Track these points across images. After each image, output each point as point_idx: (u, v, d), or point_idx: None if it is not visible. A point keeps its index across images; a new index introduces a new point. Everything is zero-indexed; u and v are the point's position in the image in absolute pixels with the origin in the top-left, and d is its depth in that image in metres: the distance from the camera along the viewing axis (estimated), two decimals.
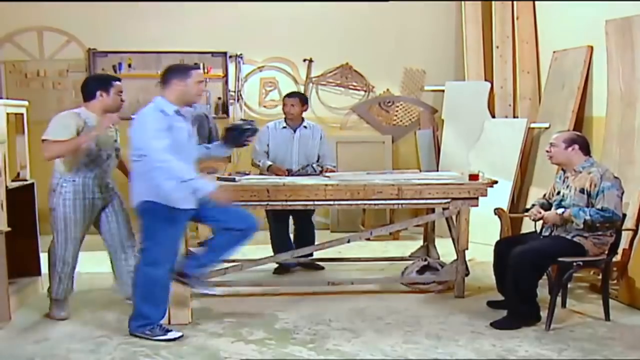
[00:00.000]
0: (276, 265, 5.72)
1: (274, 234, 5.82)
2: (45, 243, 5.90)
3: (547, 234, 4.49)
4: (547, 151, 4.52)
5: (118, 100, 4.41)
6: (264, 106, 7.83)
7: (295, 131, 5.76)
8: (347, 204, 4.98)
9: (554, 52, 6.90)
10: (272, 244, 5.83)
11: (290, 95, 5.91)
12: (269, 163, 5.66)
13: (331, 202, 4.92)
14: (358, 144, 7.91)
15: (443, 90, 7.72)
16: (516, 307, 4.33)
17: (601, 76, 6.06)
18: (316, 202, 4.90)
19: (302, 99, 5.86)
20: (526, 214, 4.82)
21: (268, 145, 5.73)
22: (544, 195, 4.76)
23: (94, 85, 4.43)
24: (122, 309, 4.70)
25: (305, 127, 5.79)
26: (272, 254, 5.58)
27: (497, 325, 4.31)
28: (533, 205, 4.69)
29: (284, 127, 5.77)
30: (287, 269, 5.77)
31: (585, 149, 4.44)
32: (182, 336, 4.12)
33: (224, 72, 7.78)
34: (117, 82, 4.45)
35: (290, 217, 5.88)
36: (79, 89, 7.50)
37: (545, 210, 4.53)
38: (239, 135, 4.39)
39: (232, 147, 4.50)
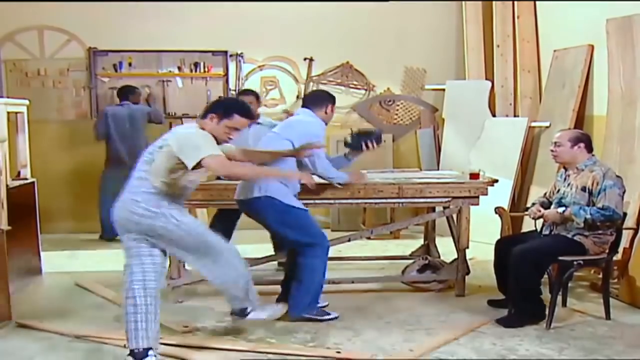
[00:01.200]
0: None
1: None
2: (47, 242, 5.94)
3: (547, 232, 4.49)
4: (552, 150, 4.51)
5: (225, 134, 3.70)
6: (265, 105, 7.81)
7: (249, 127, 5.22)
8: (348, 203, 4.98)
9: (555, 51, 6.89)
10: None
11: (244, 92, 5.83)
12: None
13: (331, 201, 4.92)
14: None
15: (444, 89, 7.72)
16: (520, 305, 4.33)
17: (602, 75, 6.06)
18: (317, 201, 4.89)
19: (257, 96, 5.80)
20: (526, 212, 4.82)
21: None
22: (545, 194, 4.76)
23: (216, 106, 3.75)
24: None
25: (259, 123, 5.43)
26: (273, 253, 5.57)
27: (502, 322, 4.31)
28: (533, 204, 4.69)
29: None
30: None
31: (589, 147, 4.45)
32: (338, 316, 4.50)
33: (224, 71, 7.78)
34: (240, 118, 3.70)
35: None
36: (79, 88, 7.67)
37: (546, 209, 4.53)
38: (361, 139, 4.66)
39: (355, 152, 4.76)
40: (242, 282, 3.95)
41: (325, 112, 4.60)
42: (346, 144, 4.77)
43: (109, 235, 7.25)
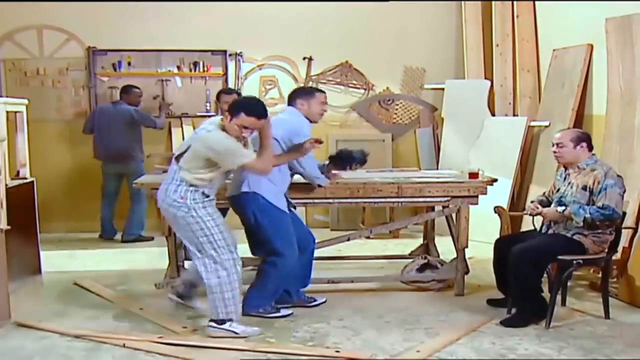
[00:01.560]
0: None
1: None
2: (46, 241, 5.92)
3: (546, 231, 4.49)
4: (555, 152, 4.50)
5: (236, 131, 3.93)
6: None
7: None
8: (347, 202, 4.98)
9: (554, 50, 6.89)
10: None
11: (226, 91, 5.77)
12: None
13: (331, 200, 4.92)
14: (358, 142, 7.87)
15: (443, 89, 7.72)
16: (523, 305, 4.33)
17: (601, 74, 6.06)
18: (315, 200, 4.89)
19: (239, 95, 5.74)
20: (525, 212, 4.81)
21: None
22: (544, 193, 4.77)
23: (231, 105, 4.04)
24: (122, 308, 4.71)
25: None
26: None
27: (506, 323, 4.31)
28: (532, 202, 4.69)
29: None
30: None
31: (590, 145, 4.45)
32: (292, 314, 4.50)
33: (223, 71, 7.77)
34: (245, 117, 3.91)
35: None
36: (78, 88, 7.67)
37: (545, 207, 4.54)
38: (345, 161, 4.66)
39: (336, 169, 4.76)
40: (229, 294, 4.05)
41: (299, 108, 4.56)
42: (331, 159, 4.75)
43: (107, 234, 7.25)
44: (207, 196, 4.03)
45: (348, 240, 5.15)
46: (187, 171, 3.95)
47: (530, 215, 4.56)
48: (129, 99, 7.16)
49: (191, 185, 3.95)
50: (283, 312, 4.53)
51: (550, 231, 4.47)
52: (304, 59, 7.89)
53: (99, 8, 7.51)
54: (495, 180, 5.02)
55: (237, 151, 3.93)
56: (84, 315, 4.60)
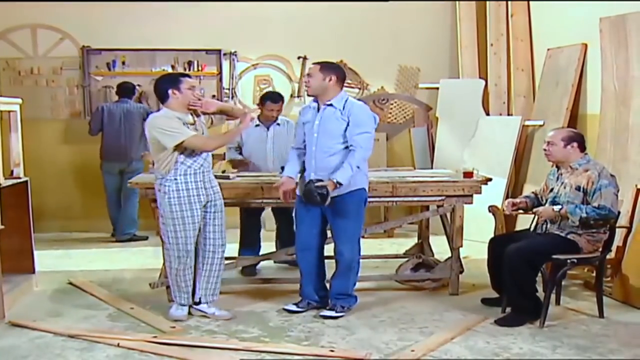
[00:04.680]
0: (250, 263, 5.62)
1: (245, 231, 5.78)
2: (40, 241, 5.92)
3: (540, 231, 4.50)
4: (545, 149, 4.51)
5: (192, 97, 4.31)
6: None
7: (268, 129, 5.69)
8: None
9: (549, 49, 6.91)
10: (240, 240, 5.78)
11: (274, 100, 5.70)
12: (239, 157, 5.73)
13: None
14: None
15: (437, 88, 7.72)
16: (518, 304, 4.34)
17: (595, 74, 6.08)
18: None
19: (282, 102, 5.79)
20: (520, 211, 4.81)
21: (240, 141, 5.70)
22: (534, 191, 4.78)
23: (164, 85, 4.32)
24: (117, 307, 4.70)
25: (278, 124, 5.71)
26: (270, 251, 5.56)
27: (500, 322, 4.31)
28: (508, 201, 4.72)
29: (257, 125, 5.65)
30: (253, 271, 5.65)
31: (582, 146, 4.45)
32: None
33: (218, 70, 7.77)
34: (186, 79, 4.34)
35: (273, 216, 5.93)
36: (72, 87, 7.64)
37: (533, 205, 4.55)
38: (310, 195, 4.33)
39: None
40: (175, 279, 4.42)
41: None
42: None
43: (119, 236, 7.17)
44: (184, 189, 4.26)
45: None
46: (156, 162, 4.29)
47: (507, 214, 4.62)
48: (133, 96, 7.16)
49: (164, 174, 4.25)
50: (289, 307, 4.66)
51: (544, 230, 4.48)
52: (299, 58, 7.89)
53: (93, 7, 7.49)
54: (490, 179, 5.02)
55: (178, 127, 4.19)
56: (78, 314, 4.59)
